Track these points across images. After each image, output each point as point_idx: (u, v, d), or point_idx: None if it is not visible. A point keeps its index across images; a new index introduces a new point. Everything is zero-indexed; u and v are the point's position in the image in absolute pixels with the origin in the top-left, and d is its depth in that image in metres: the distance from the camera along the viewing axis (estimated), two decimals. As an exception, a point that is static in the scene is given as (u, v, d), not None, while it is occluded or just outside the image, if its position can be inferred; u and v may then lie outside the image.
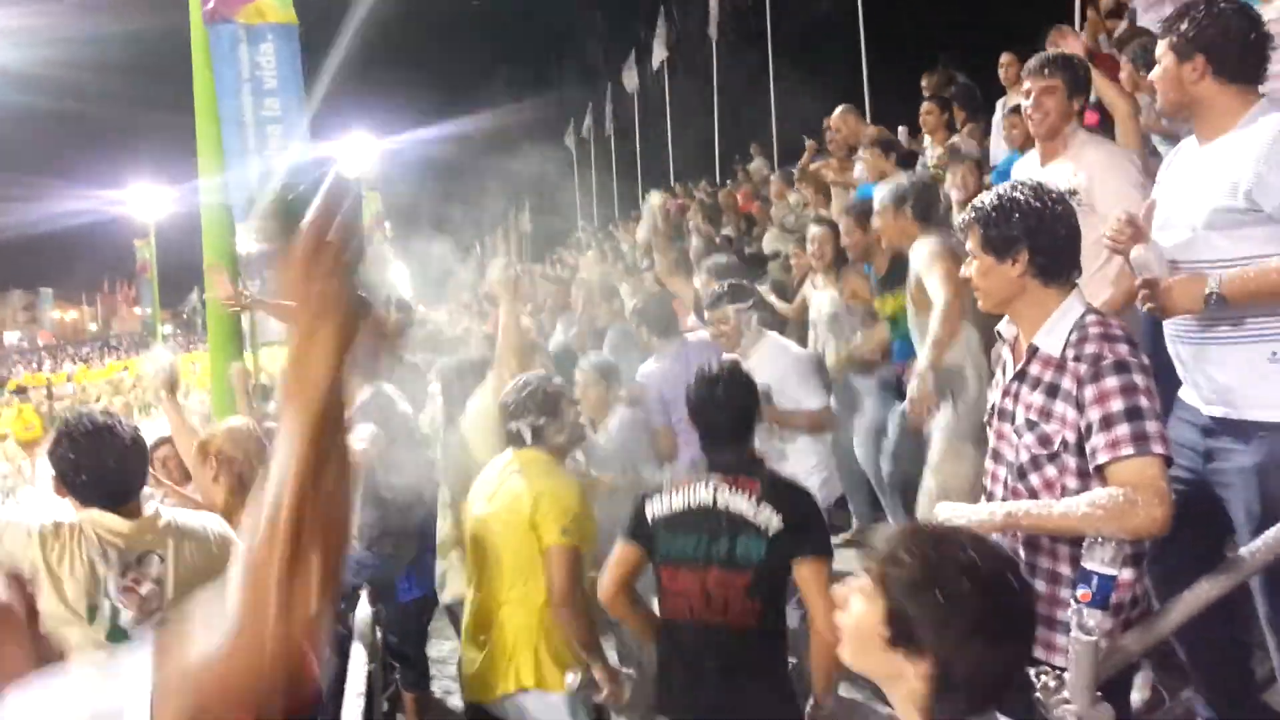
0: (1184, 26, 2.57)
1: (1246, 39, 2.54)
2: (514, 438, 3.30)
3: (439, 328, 13.96)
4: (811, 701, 2.80)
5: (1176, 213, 2.64)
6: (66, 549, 2.42)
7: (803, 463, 4.08)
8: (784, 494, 2.79)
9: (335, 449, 1.02)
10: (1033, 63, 3.56)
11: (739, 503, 2.76)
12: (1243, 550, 2.36)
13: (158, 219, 32.31)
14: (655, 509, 2.89)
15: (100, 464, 2.53)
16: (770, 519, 2.72)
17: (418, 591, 4.40)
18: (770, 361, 4.08)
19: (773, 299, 6.17)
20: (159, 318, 34.20)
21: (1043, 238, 2.28)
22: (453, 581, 4.05)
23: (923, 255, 3.92)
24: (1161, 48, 2.65)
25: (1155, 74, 2.68)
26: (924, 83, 7.88)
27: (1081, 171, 3.39)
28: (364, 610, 3.82)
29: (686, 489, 2.85)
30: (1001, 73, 7.37)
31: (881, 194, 4.38)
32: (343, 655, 3.44)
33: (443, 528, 4.17)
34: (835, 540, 5.10)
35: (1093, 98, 5.20)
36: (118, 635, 2.43)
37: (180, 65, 7.20)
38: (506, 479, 3.27)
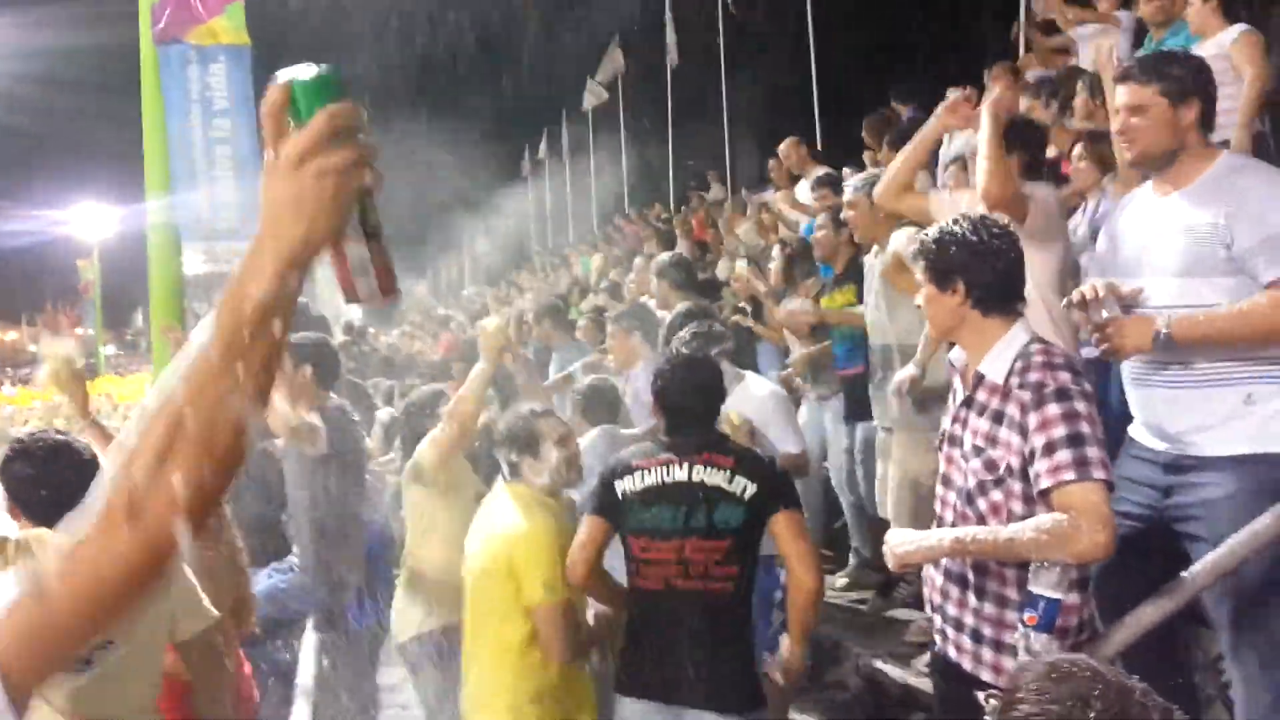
0: (1177, 72, 2.59)
1: (1216, 92, 2.63)
2: (509, 469, 3.26)
3: (392, 351, 13.86)
4: (784, 649, 2.95)
5: (1144, 259, 2.66)
6: (11, 566, 2.36)
7: None
8: (755, 463, 2.96)
9: (250, 360, 0.94)
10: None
11: (715, 476, 2.90)
12: (1184, 573, 2.41)
13: (102, 239, 31.73)
14: (626, 485, 2.97)
15: (60, 481, 2.46)
16: (746, 486, 2.88)
17: (370, 619, 4.34)
18: (746, 402, 3.98)
19: (751, 323, 6.18)
20: (101, 339, 33.47)
21: (978, 271, 2.35)
22: (404, 622, 3.91)
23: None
24: (1146, 93, 2.58)
25: (1139, 120, 2.59)
26: (864, 130, 7.93)
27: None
28: (310, 637, 3.76)
29: (659, 467, 2.95)
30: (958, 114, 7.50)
31: (855, 183, 4.45)
32: (287, 683, 3.38)
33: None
34: (837, 582, 5.15)
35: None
36: None
37: (129, 83, 7.10)
38: (491, 516, 3.22)
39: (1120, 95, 2.67)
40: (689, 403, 3.02)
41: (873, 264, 4.53)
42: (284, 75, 0.97)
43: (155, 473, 0.93)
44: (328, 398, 4.18)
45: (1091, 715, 1.22)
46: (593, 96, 18.31)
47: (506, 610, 3.06)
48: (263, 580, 3.98)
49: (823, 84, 11.23)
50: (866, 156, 7.81)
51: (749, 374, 4.37)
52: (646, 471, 2.97)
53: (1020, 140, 3.46)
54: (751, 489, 2.88)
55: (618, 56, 17.10)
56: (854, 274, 5.01)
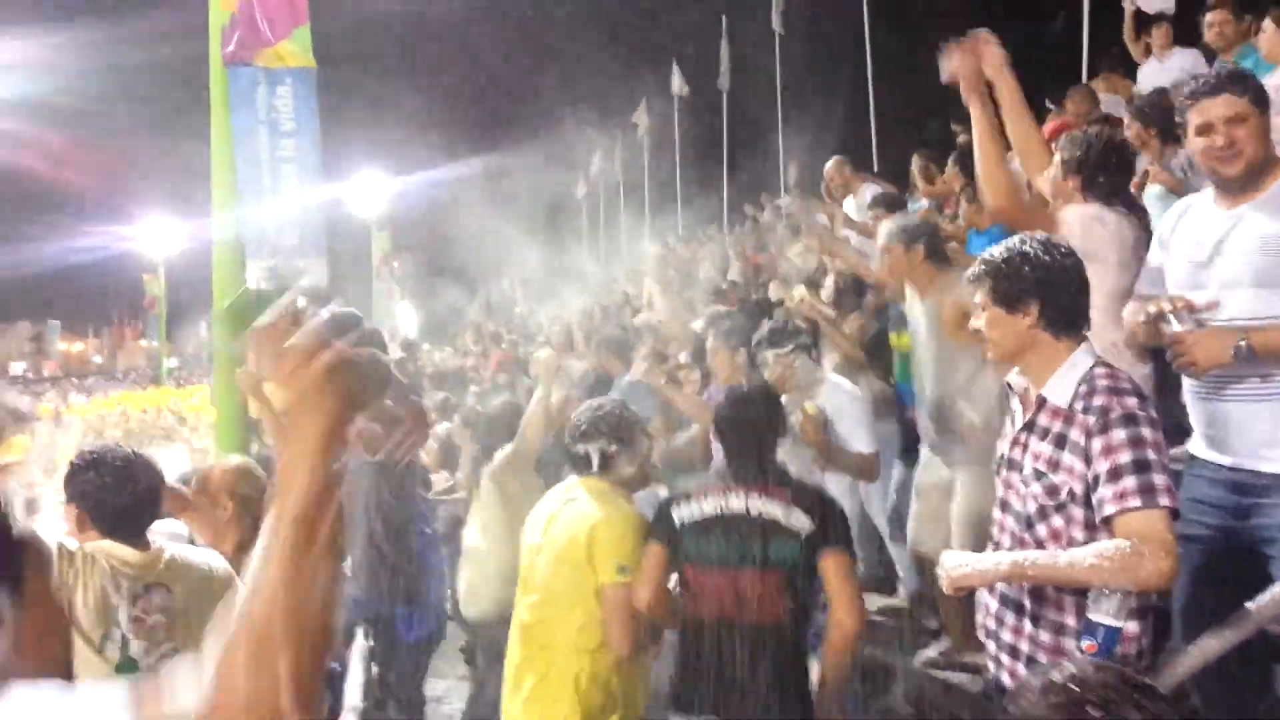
0: (1254, 83, 2.58)
1: None
2: (579, 462, 3.23)
3: (444, 366, 14.03)
4: (820, 685, 2.91)
5: (1212, 272, 2.63)
6: (81, 575, 2.44)
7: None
8: (813, 499, 2.94)
9: (316, 553, 1.01)
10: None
11: (773, 509, 2.89)
12: (1249, 604, 2.36)
13: (168, 254, 32.58)
14: (683, 514, 2.98)
15: (131, 493, 2.57)
16: (803, 522, 2.86)
17: (420, 629, 4.38)
18: (826, 398, 4.09)
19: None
20: (165, 351, 34.31)
21: (1054, 290, 2.32)
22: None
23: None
24: (1243, 103, 2.56)
25: (1243, 130, 2.56)
26: (914, 166, 7.89)
27: None
28: (359, 645, 3.81)
29: (717, 496, 2.96)
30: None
31: (889, 229, 4.39)
32: (335, 693, 3.43)
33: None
34: (882, 603, 5.09)
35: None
36: (127, 665, 2.44)
37: (195, 102, 7.31)
38: (563, 509, 3.18)
39: (1216, 108, 2.59)
40: (748, 433, 3.02)
41: (915, 309, 4.34)
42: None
43: (254, 683, 0.97)
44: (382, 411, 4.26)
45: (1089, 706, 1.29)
46: (643, 115, 18.43)
47: (577, 595, 3.05)
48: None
49: (879, 106, 11.21)
50: (921, 185, 7.77)
51: (831, 373, 4.38)
52: (704, 501, 2.97)
53: (1101, 164, 3.29)
54: (807, 525, 2.86)
55: (676, 79, 17.19)
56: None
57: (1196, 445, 2.75)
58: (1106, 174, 3.24)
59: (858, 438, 4.09)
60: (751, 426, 3.02)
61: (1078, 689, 1.32)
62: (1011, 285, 2.34)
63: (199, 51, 7.21)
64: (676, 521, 2.99)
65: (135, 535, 2.59)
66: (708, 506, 2.96)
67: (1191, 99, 2.65)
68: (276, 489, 1.03)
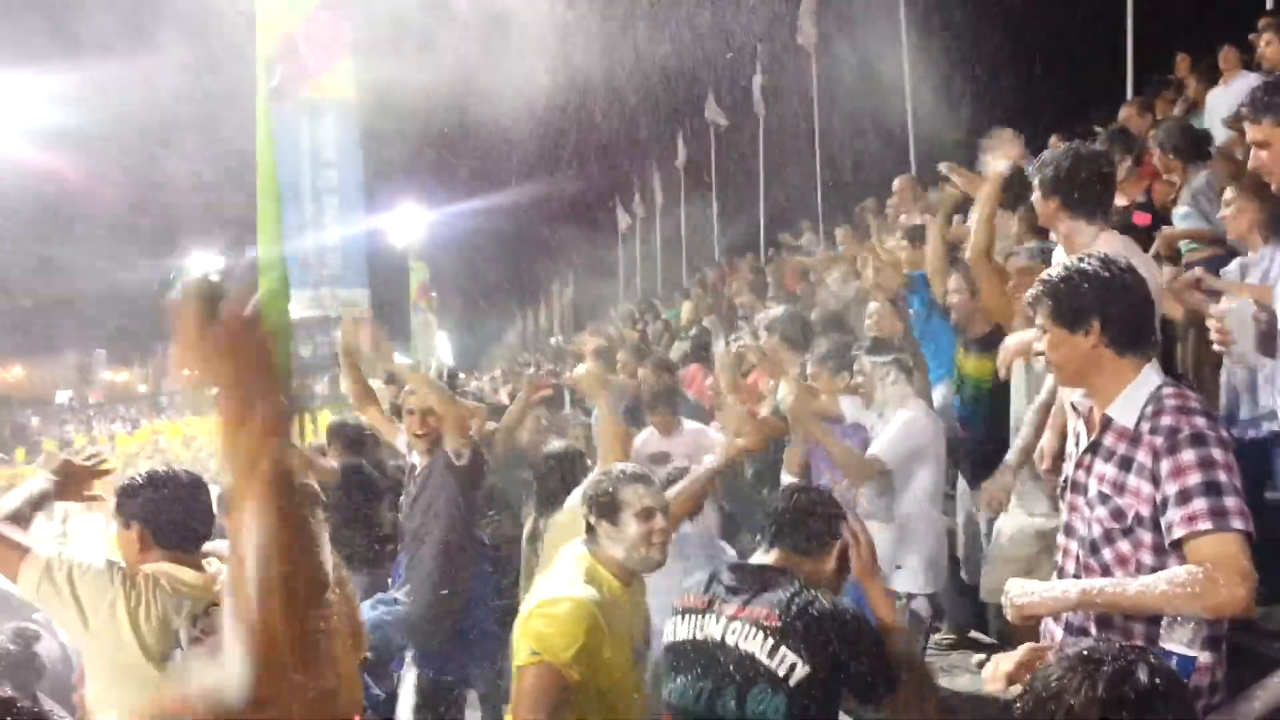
0: None
1: None
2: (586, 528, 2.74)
3: (481, 394, 14.09)
4: None
5: None
6: (143, 597, 2.47)
7: (910, 548, 3.87)
8: (809, 627, 2.23)
9: (288, 521, 1.11)
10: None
11: (751, 641, 2.23)
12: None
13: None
14: (667, 634, 2.39)
15: (191, 512, 2.61)
16: (791, 664, 2.19)
17: (461, 662, 4.32)
18: (895, 427, 3.88)
19: None
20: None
21: (1115, 307, 2.25)
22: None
23: None
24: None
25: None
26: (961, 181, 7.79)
27: None
28: (410, 670, 3.80)
29: (695, 614, 2.35)
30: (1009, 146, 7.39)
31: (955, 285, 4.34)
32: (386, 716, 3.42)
33: None
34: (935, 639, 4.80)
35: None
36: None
37: (240, 133, 7.44)
38: (546, 575, 2.75)
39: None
40: (776, 527, 2.41)
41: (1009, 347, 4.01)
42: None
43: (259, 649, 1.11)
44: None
45: (1097, 681, 1.36)
46: (681, 150, 18.53)
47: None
48: (366, 611, 4.04)
49: (918, 132, 11.17)
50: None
51: (919, 400, 4.14)
52: (683, 618, 2.36)
53: (1074, 180, 3.20)
54: (800, 670, 2.18)
55: (711, 108, 17.28)
56: (995, 340, 4.81)
57: None
58: (1083, 190, 3.15)
59: (880, 443, 3.89)
60: (785, 517, 2.42)
61: (1089, 651, 1.41)
62: (1071, 304, 2.27)
63: (245, 81, 7.36)
64: (663, 643, 2.40)
65: (194, 554, 2.62)
66: (683, 627, 2.33)
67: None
68: (232, 471, 1.11)
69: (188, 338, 1.14)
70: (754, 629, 2.23)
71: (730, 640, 2.25)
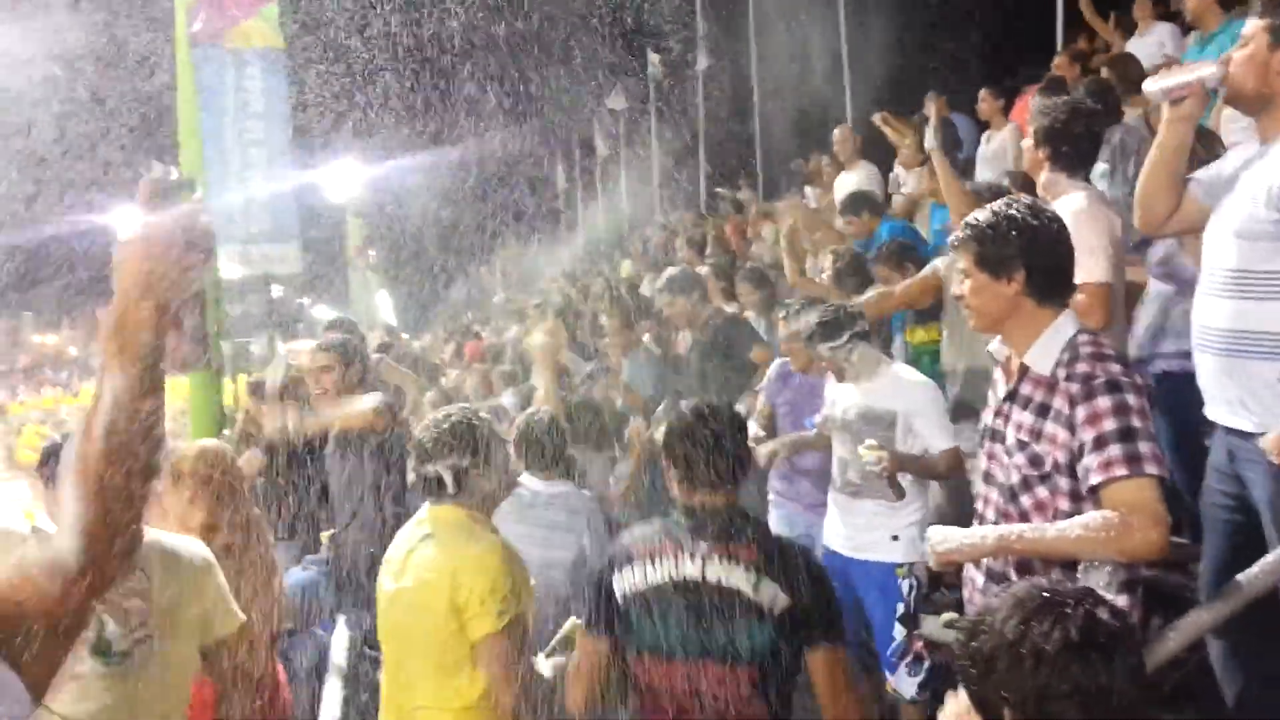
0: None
1: None
2: (430, 486, 2.70)
3: (424, 355, 13.93)
4: None
5: (1222, 215, 2.59)
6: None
7: (903, 517, 3.66)
8: (788, 561, 2.29)
9: (150, 398, 1.25)
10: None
11: (735, 575, 2.26)
12: (1239, 576, 2.32)
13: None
14: (626, 583, 2.34)
15: None
16: (775, 596, 2.24)
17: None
18: (896, 393, 3.63)
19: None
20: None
21: (1040, 256, 2.25)
22: None
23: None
24: (1252, 27, 2.54)
25: (1239, 54, 2.54)
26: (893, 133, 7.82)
27: None
28: (341, 637, 3.75)
29: (665, 558, 2.32)
30: (982, 107, 7.47)
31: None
32: (318, 678, 3.38)
33: None
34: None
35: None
36: (103, 647, 2.36)
37: (164, 85, 7.17)
38: (419, 548, 2.67)
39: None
40: (713, 464, 2.34)
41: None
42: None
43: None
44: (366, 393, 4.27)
45: (1052, 622, 1.36)
46: (619, 99, 18.34)
47: (443, 650, 2.55)
48: (297, 574, 3.98)
49: (855, 89, 11.16)
50: (898, 167, 7.73)
51: (892, 361, 3.95)
52: (650, 564, 2.32)
53: (1065, 133, 3.25)
54: (782, 600, 2.24)
55: (652, 63, 17.09)
56: (937, 311, 4.82)
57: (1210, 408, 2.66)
58: (1071, 144, 3.21)
59: (935, 434, 3.59)
60: (718, 454, 2.35)
61: (1049, 594, 1.40)
62: (998, 250, 2.26)
63: (166, 31, 7.08)
64: (619, 595, 2.33)
65: None
66: (654, 573, 2.30)
67: None
68: (114, 347, 1.24)
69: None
70: (734, 564, 2.26)
71: (712, 577, 2.26)
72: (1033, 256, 2.24)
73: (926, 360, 4.89)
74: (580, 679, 2.42)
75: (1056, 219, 2.31)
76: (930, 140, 4.51)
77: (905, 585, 3.63)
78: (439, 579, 2.54)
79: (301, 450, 4.84)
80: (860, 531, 3.71)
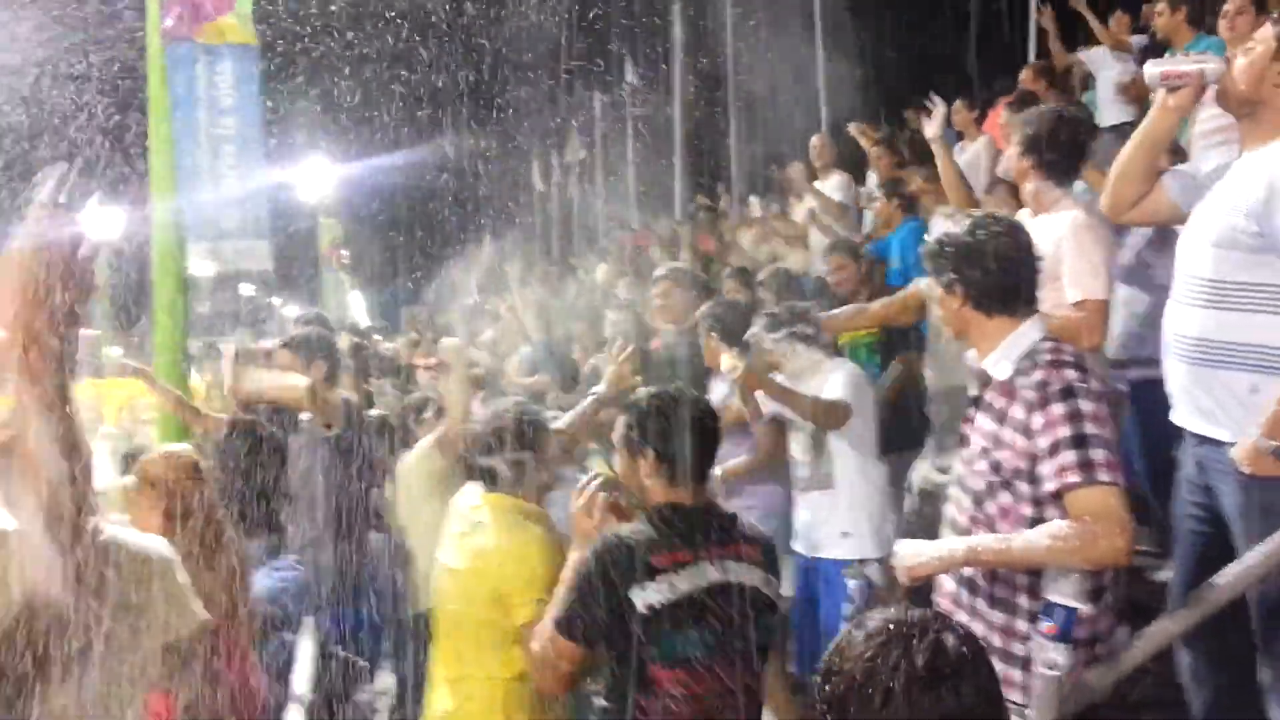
0: None
1: None
2: (484, 476, 2.85)
3: (394, 356, 13.83)
4: None
5: (1198, 222, 2.59)
6: (14, 557, 2.32)
7: (851, 510, 3.74)
8: (770, 551, 2.41)
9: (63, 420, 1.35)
10: None
11: (752, 574, 2.31)
12: (1206, 584, 2.34)
13: (110, 238, 31.69)
14: (653, 597, 2.24)
15: None
16: (777, 588, 2.35)
17: (368, 621, 4.26)
18: (825, 389, 3.75)
19: None
20: (106, 339, 33.48)
21: (970, 271, 2.30)
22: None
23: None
24: (1264, 32, 2.51)
25: (1241, 60, 2.52)
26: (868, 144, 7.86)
27: None
28: (309, 636, 3.71)
29: (687, 566, 2.27)
30: (956, 119, 7.52)
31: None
32: (284, 683, 3.34)
33: None
34: None
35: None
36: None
37: (136, 80, 7.09)
38: (472, 534, 2.81)
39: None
40: (696, 458, 2.34)
41: None
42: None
43: None
44: (333, 391, 4.21)
45: (898, 655, 1.33)
46: (597, 108, 18.37)
47: (491, 628, 2.67)
48: (262, 579, 3.93)
49: (830, 97, 11.23)
50: (874, 171, 7.77)
51: (837, 359, 4.04)
52: (675, 574, 2.25)
53: (1052, 142, 3.26)
54: (779, 590, 2.36)
55: (629, 68, 17.11)
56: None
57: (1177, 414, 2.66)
58: (1057, 152, 3.22)
59: (833, 390, 3.75)
60: (705, 444, 2.37)
61: (895, 625, 1.37)
62: (938, 267, 2.36)
63: (137, 26, 6.99)
64: (640, 608, 2.23)
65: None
66: (681, 583, 2.25)
67: None
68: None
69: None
70: (745, 562, 2.30)
71: (734, 579, 2.28)
72: (966, 271, 2.31)
73: (864, 353, 4.91)
74: (559, 678, 2.38)
75: (1004, 233, 2.33)
76: (932, 129, 4.49)
77: (853, 584, 3.62)
78: (485, 565, 2.68)
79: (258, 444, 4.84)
80: (811, 529, 3.77)
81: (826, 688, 1.38)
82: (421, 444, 4.44)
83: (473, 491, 2.90)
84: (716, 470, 4.01)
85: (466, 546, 2.78)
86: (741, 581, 2.29)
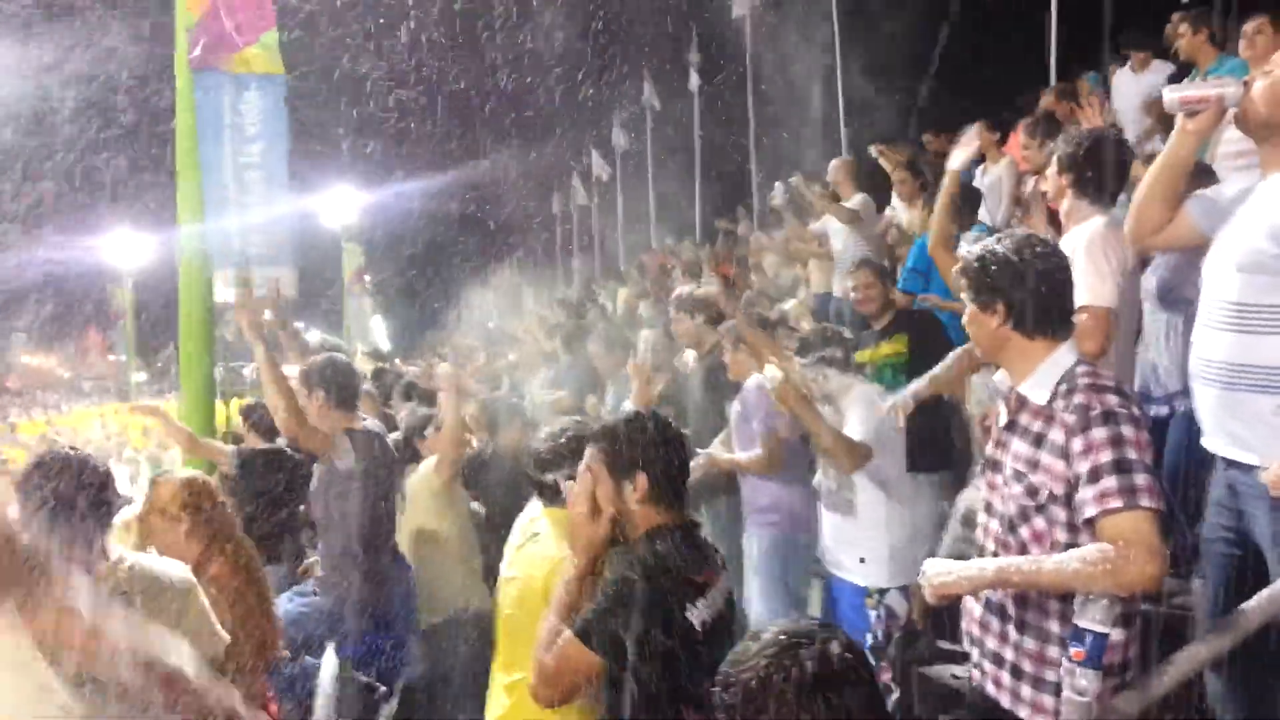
0: None
1: None
2: (545, 491, 2.95)
3: (414, 379, 13.90)
4: None
5: (1223, 246, 2.57)
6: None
7: (871, 539, 3.69)
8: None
9: None
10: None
11: (731, 593, 2.36)
12: (1238, 609, 2.30)
13: (137, 266, 32.09)
14: (704, 614, 2.20)
15: (88, 497, 2.59)
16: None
17: (387, 646, 4.25)
18: (868, 417, 3.71)
19: None
20: (133, 365, 33.85)
21: (1020, 291, 2.27)
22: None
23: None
24: None
25: (1260, 83, 2.51)
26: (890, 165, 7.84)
27: None
28: (330, 663, 3.72)
29: (716, 585, 2.28)
30: (979, 142, 7.48)
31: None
32: (305, 708, 3.35)
33: None
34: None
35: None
36: (80, 679, 2.34)
37: (164, 109, 7.20)
38: (527, 544, 2.92)
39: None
40: (685, 479, 2.38)
41: None
42: None
43: None
44: (356, 419, 4.19)
45: (789, 663, 1.40)
46: (618, 133, 18.46)
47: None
48: (283, 604, 3.94)
49: (850, 118, 11.25)
50: (896, 194, 7.75)
51: (861, 382, 4.02)
52: (714, 593, 2.25)
53: (1089, 161, 3.22)
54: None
55: (648, 91, 17.21)
56: (901, 324, 4.93)
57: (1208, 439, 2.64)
58: (1095, 170, 3.19)
59: (850, 422, 3.71)
60: (683, 467, 2.40)
61: (786, 636, 1.45)
62: (981, 284, 2.32)
63: (165, 56, 7.11)
64: (697, 624, 2.18)
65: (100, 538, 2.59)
66: (718, 597, 2.26)
67: None
68: None
69: None
70: (724, 581, 2.33)
71: (729, 597, 2.33)
72: (1013, 292, 2.27)
73: (889, 373, 4.86)
74: (564, 690, 2.27)
75: (1050, 254, 2.32)
76: (960, 161, 4.45)
77: (874, 615, 3.57)
78: (540, 572, 2.73)
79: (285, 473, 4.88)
80: (830, 547, 3.74)
81: (724, 696, 1.46)
82: (425, 464, 4.67)
83: (533, 505, 3.01)
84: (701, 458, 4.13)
85: (523, 556, 2.89)
86: (730, 598, 2.35)
